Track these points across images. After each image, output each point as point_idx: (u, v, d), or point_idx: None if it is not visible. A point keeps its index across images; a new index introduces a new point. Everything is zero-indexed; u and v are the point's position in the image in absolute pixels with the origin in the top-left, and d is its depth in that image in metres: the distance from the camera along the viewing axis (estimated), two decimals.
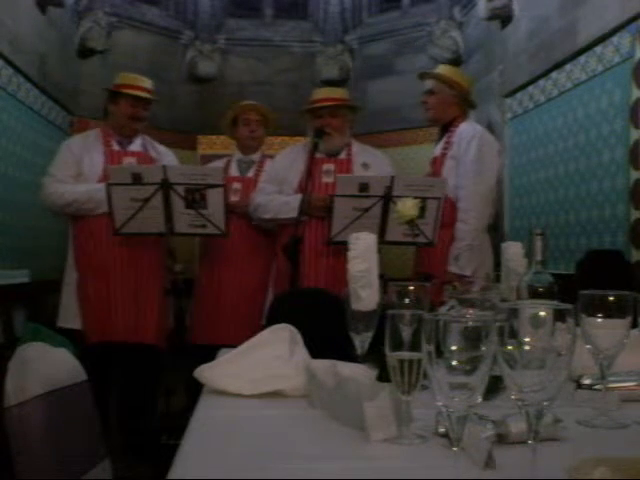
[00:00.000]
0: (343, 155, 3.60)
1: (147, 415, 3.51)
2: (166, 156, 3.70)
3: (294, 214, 3.35)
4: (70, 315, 3.50)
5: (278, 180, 3.61)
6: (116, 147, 3.59)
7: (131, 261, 3.45)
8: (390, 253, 3.75)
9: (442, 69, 3.76)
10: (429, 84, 3.64)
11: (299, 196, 3.41)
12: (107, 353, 3.38)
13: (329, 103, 3.57)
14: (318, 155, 3.49)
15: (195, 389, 1.66)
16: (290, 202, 3.46)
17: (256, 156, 4.01)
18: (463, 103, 3.65)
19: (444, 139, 3.60)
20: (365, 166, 3.59)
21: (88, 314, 3.46)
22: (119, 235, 3.33)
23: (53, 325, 3.48)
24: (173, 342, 3.61)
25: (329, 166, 3.51)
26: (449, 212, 3.41)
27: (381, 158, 3.72)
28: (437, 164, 3.57)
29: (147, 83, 3.68)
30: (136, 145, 3.63)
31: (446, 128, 3.61)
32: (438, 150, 3.62)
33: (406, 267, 3.97)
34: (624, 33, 3.81)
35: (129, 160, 3.55)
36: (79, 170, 3.51)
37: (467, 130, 3.54)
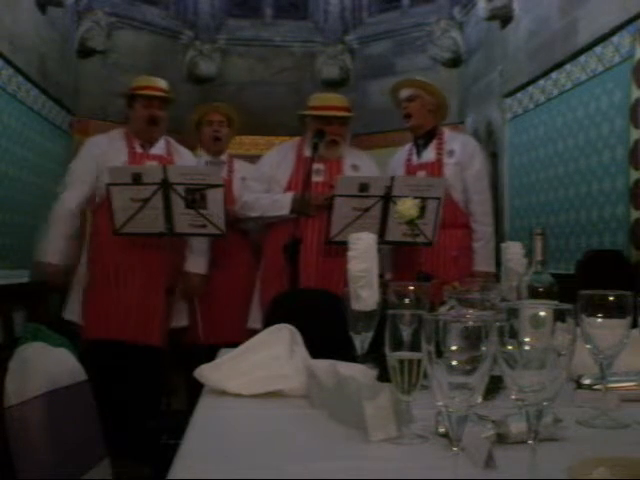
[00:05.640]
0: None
1: (148, 415, 3.50)
2: (187, 158, 3.71)
3: (285, 212, 3.40)
4: (77, 309, 3.51)
5: (266, 178, 3.59)
6: (139, 150, 3.60)
7: (144, 262, 3.46)
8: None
9: (418, 78, 3.85)
10: (408, 92, 3.69)
11: (290, 194, 3.44)
12: (108, 351, 3.37)
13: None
14: (308, 154, 3.49)
15: (195, 389, 1.66)
16: (280, 200, 3.47)
17: (224, 157, 4.03)
18: (438, 113, 3.72)
19: (433, 145, 3.66)
20: (354, 167, 3.59)
21: (92, 310, 3.46)
22: (119, 235, 3.33)
23: (53, 325, 3.47)
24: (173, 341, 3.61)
25: (319, 166, 3.51)
26: (456, 214, 3.57)
27: (369, 160, 3.74)
28: (435, 169, 3.61)
29: (161, 83, 3.70)
30: (158, 148, 3.63)
31: (430, 136, 3.67)
32: (431, 156, 3.65)
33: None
34: (624, 33, 3.81)
35: (150, 163, 3.55)
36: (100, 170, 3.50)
37: (468, 140, 3.89)
